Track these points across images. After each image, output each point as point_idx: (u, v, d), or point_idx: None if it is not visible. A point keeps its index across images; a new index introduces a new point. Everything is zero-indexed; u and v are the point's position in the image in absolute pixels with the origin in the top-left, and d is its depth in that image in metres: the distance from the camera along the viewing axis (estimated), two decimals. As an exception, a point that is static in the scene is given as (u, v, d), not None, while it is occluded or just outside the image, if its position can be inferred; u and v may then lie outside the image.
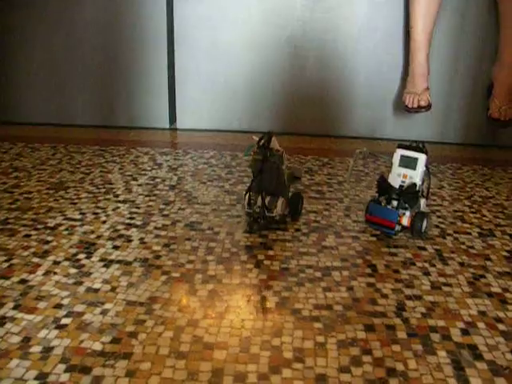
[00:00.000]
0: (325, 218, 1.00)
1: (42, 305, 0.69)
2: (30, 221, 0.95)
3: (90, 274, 0.77)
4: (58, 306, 0.69)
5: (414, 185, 0.92)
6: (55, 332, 0.63)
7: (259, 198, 0.92)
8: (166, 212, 1.01)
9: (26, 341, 0.61)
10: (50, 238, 0.88)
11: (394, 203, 0.93)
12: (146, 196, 1.09)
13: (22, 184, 1.13)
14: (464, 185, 1.25)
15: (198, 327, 0.65)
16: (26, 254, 0.82)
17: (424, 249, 0.90)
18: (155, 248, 0.86)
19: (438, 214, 1.05)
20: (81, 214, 0.99)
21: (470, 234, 0.97)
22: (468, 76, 1.57)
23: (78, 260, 0.81)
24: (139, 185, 1.16)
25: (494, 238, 0.95)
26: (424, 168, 0.93)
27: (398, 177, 0.94)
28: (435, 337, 0.65)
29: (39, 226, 0.93)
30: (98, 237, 0.89)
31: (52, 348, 0.60)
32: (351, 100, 1.62)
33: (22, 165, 1.27)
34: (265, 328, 0.65)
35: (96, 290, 0.73)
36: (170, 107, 1.68)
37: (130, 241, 0.88)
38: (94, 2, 1.58)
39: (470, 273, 0.82)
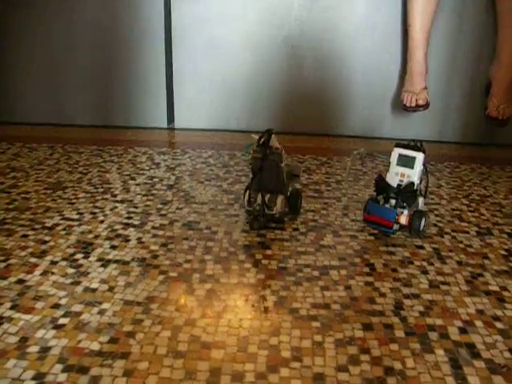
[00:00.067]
0: (323, 217, 1.00)
1: (39, 305, 0.69)
2: (27, 221, 0.94)
3: (88, 273, 0.77)
4: (56, 306, 0.69)
5: (412, 184, 0.92)
6: (53, 332, 0.63)
7: (259, 196, 0.92)
8: (163, 211, 1.01)
9: (24, 341, 0.61)
10: (47, 238, 0.88)
11: (392, 202, 0.93)
12: (144, 196, 1.09)
13: (19, 184, 1.13)
14: (462, 183, 1.25)
15: (195, 327, 0.65)
16: (23, 254, 0.82)
17: (422, 247, 0.90)
18: (153, 248, 0.86)
19: (435, 212, 1.05)
20: (78, 213, 0.99)
21: (467, 232, 0.97)
22: (466, 75, 1.57)
23: (76, 260, 0.81)
24: (137, 184, 1.15)
25: (492, 237, 0.95)
26: (422, 167, 0.93)
27: (395, 176, 0.94)
28: (433, 335, 0.65)
29: (37, 226, 0.92)
30: (96, 236, 0.89)
31: (49, 348, 0.60)
32: (349, 99, 1.62)
33: (20, 165, 1.26)
34: (262, 327, 0.65)
35: (93, 290, 0.73)
36: (167, 107, 1.68)
37: (127, 240, 0.88)
38: (92, 3, 1.58)
39: (467, 271, 0.82)
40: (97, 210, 1.00)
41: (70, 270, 0.78)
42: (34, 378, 0.56)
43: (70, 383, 0.55)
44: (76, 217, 0.97)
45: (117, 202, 1.05)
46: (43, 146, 1.44)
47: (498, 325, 0.68)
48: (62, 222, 0.95)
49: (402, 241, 0.92)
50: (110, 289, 0.73)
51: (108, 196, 1.08)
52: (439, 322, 0.68)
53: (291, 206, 0.98)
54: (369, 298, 0.73)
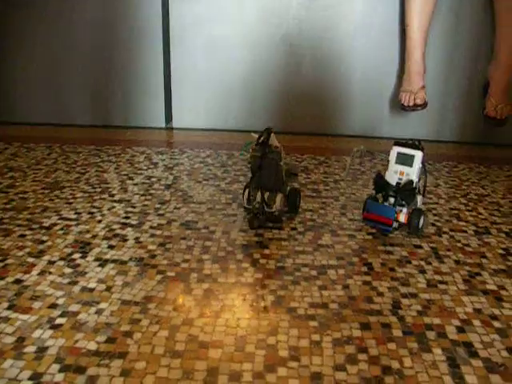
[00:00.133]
0: (321, 217, 1.00)
1: (36, 305, 0.69)
2: (25, 221, 0.94)
3: (85, 273, 0.77)
4: (53, 306, 0.68)
5: (411, 182, 0.93)
6: (50, 332, 0.63)
7: (258, 194, 0.93)
8: (161, 211, 1.01)
9: (21, 341, 0.61)
10: (45, 238, 0.88)
11: (391, 200, 0.94)
12: (142, 195, 1.09)
13: (17, 184, 1.13)
14: (460, 183, 1.25)
15: (193, 326, 0.65)
16: (20, 254, 0.82)
17: (420, 247, 0.90)
18: (150, 247, 0.86)
19: (434, 212, 1.05)
20: (76, 213, 0.98)
21: (465, 231, 0.97)
22: (463, 75, 1.57)
23: (73, 260, 0.81)
24: (135, 184, 1.15)
25: (490, 236, 0.95)
26: (420, 165, 0.93)
27: (394, 174, 0.95)
28: (431, 334, 0.65)
29: (34, 226, 0.92)
30: (94, 236, 0.89)
31: (46, 348, 0.60)
32: (347, 98, 1.62)
33: (18, 165, 1.26)
34: (260, 327, 0.65)
35: (91, 290, 0.73)
36: (165, 106, 1.68)
37: (125, 240, 0.88)
38: (91, 3, 1.57)
39: (465, 270, 0.82)
40: (94, 210, 1.00)
41: (68, 270, 0.78)
42: (30, 378, 0.55)
43: (67, 383, 0.55)
44: (74, 216, 0.97)
45: (114, 201, 1.05)
46: (41, 145, 1.43)
47: (496, 324, 0.68)
48: (59, 221, 0.95)
49: (399, 240, 0.92)
50: (108, 288, 0.73)
51: (106, 196, 1.08)
52: (437, 321, 0.68)
53: (290, 204, 0.98)
54: (367, 297, 0.73)
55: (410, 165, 0.93)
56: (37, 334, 0.63)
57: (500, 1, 1.43)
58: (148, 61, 1.62)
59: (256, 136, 0.92)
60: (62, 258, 0.81)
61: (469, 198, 1.14)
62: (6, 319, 0.65)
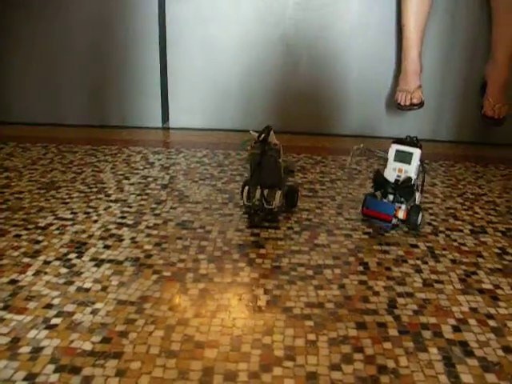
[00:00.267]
0: (317, 216, 1.00)
1: (31, 305, 0.68)
2: (20, 221, 0.94)
3: (81, 273, 0.77)
4: (48, 306, 0.68)
5: (410, 179, 0.94)
6: (45, 332, 0.63)
7: (257, 191, 0.93)
8: (157, 211, 1.00)
9: (15, 341, 0.61)
10: (40, 238, 0.87)
11: (390, 197, 0.95)
12: (138, 195, 1.09)
13: (12, 184, 1.12)
14: (456, 182, 1.25)
15: (188, 326, 0.65)
16: (16, 254, 0.82)
17: (416, 246, 0.90)
18: (146, 247, 0.86)
19: (430, 211, 1.06)
20: (72, 213, 0.98)
21: (462, 231, 0.97)
22: (459, 74, 1.58)
23: (69, 260, 0.81)
24: (131, 184, 1.15)
25: (486, 235, 0.95)
26: (419, 162, 0.94)
27: (393, 171, 0.96)
28: (426, 334, 0.65)
29: (30, 226, 0.92)
30: (90, 236, 0.89)
31: (41, 348, 0.60)
32: (344, 98, 1.62)
33: (13, 165, 1.26)
34: (256, 326, 0.65)
35: (87, 290, 0.72)
36: (162, 106, 1.67)
37: (121, 240, 0.88)
38: (87, 3, 1.57)
39: (461, 270, 0.82)
40: (90, 210, 1.00)
41: (63, 270, 0.77)
42: (25, 379, 0.55)
43: (61, 383, 0.55)
44: (69, 216, 0.97)
45: (111, 201, 1.05)
46: (37, 145, 1.43)
47: (492, 323, 0.68)
48: (55, 221, 0.94)
49: (395, 239, 0.92)
50: (103, 288, 0.73)
51: (102, 196, 1.08)
52: (433, 320, 0.68)
53: (288, 200, 0.99)
54: (362, 296, 0.73)
55: (409, 162, 0.94)
56: (32, 334, 0.62)
57: (496, 0, 1.43)
58: (144, 61, 1.62)
59: (256, 134, 0.93)
60: (57, 258, 0.81)
61: (465, 198, 1.15)
62: (1, 320, 0.65)
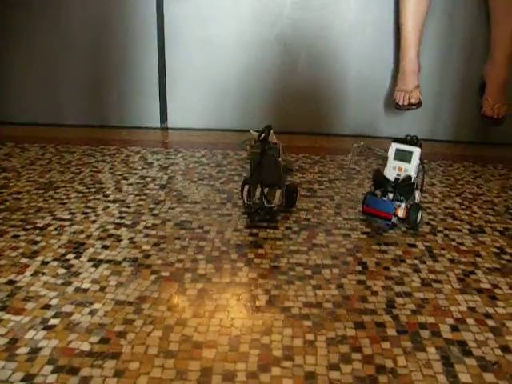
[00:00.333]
0: (315, 216, 1.00)
1: (29, 306, 0.68)
2: (18, 221, 0.94)
3: (79, 274, 0.77)
4: (46, 307, 0.68)
5: (409, 177, 0.94)
6: (43, 333, 0.63)
7: (258, 190, 0.94)
8: (156, 211, 1.00)
9: (13, 342, 0.61)
10: (38, 239, 0.87)
11: (390, 196, 0.95)
12: (136, 195, 1.08)
13: (10, 184, 1.12)
14: (455, 182, 1.25)
15: (187, 326, 0.65)
16: (14, 254, 0.82)
17: (414, 246, 0.90)
18: (145, 247, 0.86)
19: (428, 210, 1.06)
20: (70, 213, 0.98)
21: (460, 230, 0.97)
22: (457, 75, 1.58)
23: (67, 260, 0.81)
24: (129, 184, 1.15)
25: (484, 235, 0.95)
26: (418, 161, 0.95)
27: (393, 170, 0.97)
28: (425, 333, 0.65)
29: (28, 227, 0.92)
30: (88, 236, 0.89)
31: (39, 349, 0.60)
32: (343, 97, 1.62)
33: (11, 165, 1.26)
34: (254, 326, 0.65)
35: (85, 290, 0.72)
36: (160, 106, 1.67)
37: (119, 240, 0.88)
38: (86, 4, 1.57)
39: (459, 269, 0.82)
40: (89, 210, 1.00)
41: (61, 271, 0.77)
42: (23, 380, 0.55)
43: (59, 384, 0.55)
44: (68, 217, 0.96)
45: (109, 201, 1.05)
46: (35, 146, 1.43)
47: (490, 322, 0.68)
48: (53, 222, 0.94)
49: (394, 239, 0.92)
50: (102, 289, 0.73)
51: (100, 196, 1.07)
52: (431, 320, 0.68)
53: (288, 199, 1.00)
54: (361, 296, 0.73)
55: (409, 161, 0.95)
56: (30, 335, 0.62)
57: (495, 0, 1.43)
58: (143, 61, 1.62)
59: (255, 133, 0.94)
60: (55, 259, 0.81)
61: (463, 197, 1.15)
62: (-1, 320, 0.65)
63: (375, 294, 0.74)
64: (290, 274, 0.78)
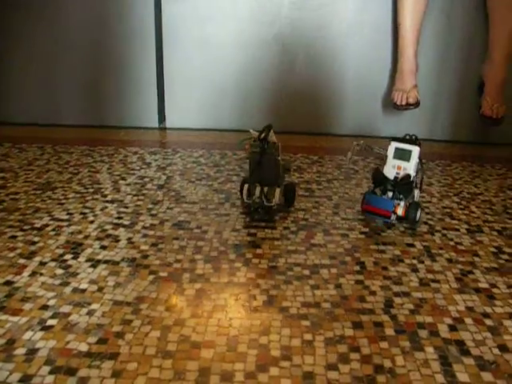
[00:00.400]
0: (313, 216, 1.00)
1: (27, 306, 0.68)
2: (16, 222, 0.94)
3: (77, 274, 0.77)
4: (44, 307, 0.68)
5: (408, 176, 0.95)
6: (40, 333, 0.63)
7: (257, 189, 0.95)
8: (154, 211, 1.00)
9: (11, 343, 0.61)
10: (36, 239, 0.87)
11: (390, 194, 0.96)
12: (135, 195, 1.08)
13: (8, 185, 1.12)
14: (453, 181, 1.26)
15: (185, 326, 0.65)
16: (11, 255, 0.82)
17: (412, 245, 0.90)
18: (143, 247, 0.85)
19: (426, 210, 1.06)
20: (68, 214, 0.98)
21: (458, 230, 0.97)
22: (455, 75, 1.58)
23: (65, 260, 0.80)
24: (127, 184, 1.15)
25: (482, 234, 0.95)
26: (418, 160, 0.96)
27: (392, 168, 0.98)
28: (423, 333, 0.65)
29: (26, 227, 0.92)
30: (86, 237, 0.89)
31: (37, 350, 0.60)
32: (341, 97, 1.62)
33: (9, 165, 1.25)
34: (252, 326, 0.65)
35: (83, 291, 0.72)
36: (158, 106, 1.67)
37: (117, 241, 0.88)
38: (83, 4, 1.57)
39: (458, 269, 0.82)
40: (87, 211, 1.00)
41: (59, 271, 0.77)
42: (20, 381, 0.55)
43: (57, 385, 0.55)
44: (66, 217, 0.96)
45: (107, 202, 1.05)
46: (33, 146, 1.43)
47: (488, 322, 0.68)
48: (51, 222, 0.94)
49: (392, 239, 0.92)
50: (100, 289, 0.73)
51: (98, 196, 1.07)
52: (429, 319, 0.68)
53: (287, 197, 1.01)
54: (359, 296, 0.73)
55: (408, 159, 0.96)
56: (27, 335, 0.62)
57: (493, 1, 1.44)
58: (141, 61, 1.62)
59: (255, 133, 0.95)
60: (53, 259, 0.81)
61: (461, 197, 1.15)
62: (-3, 321, 0.65)
63: (373, 293, 0.74)
64: (288, 273, 0.78)
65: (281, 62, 1.60)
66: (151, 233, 0.91)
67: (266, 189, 0.96)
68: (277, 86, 1.62)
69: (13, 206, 1.00)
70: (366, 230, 0.95)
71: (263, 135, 0.94)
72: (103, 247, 0.85)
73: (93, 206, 1.02)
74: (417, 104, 1.46)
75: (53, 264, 0.79)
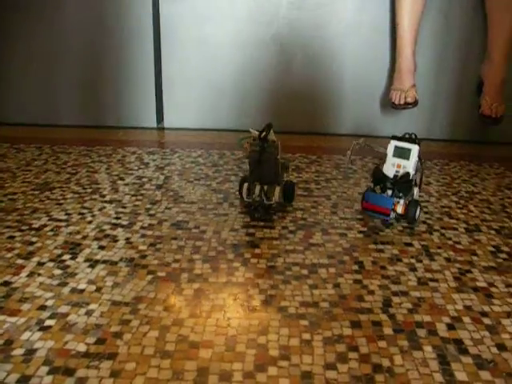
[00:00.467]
0: (312, 216, 1.00)
1: (25, 307, 0.68)
2: (14, 222, 0.93)
3: (75, 274, 0.77)
4: (42, 308, 0.68)
5: (408, 174, 0.96)
6: (39, 334, 0.62)
7: (257, 188, 0.96)
8: (152, 211, 1.00)
9: (9, 343, 0.60)
10: (34, 239, 0.87)
11: (389, 192, 0.97)
12: (133, 196, 1.08)
13: (6, 185, 1.12)
14: (451, 181, 1.26)
15: (183, 326, 0.65)
16: (9, 255, 0.81)
17: (411, 245, 0.90)
18: (141, 248, 0.85)
19: (425, 209, 1.06)
20: (66, 214, 0.98)
21: (456, 229, 0.97)
22: (453, 74, 1.58)
23: (63, 261, 0.80)
24: (126, 184, 1.15)
25: (481, 233, 0.96)
26: (417, 158, 0.97)
27: (392, 167, 0.98)
28: (421, 332, 0.65)
29: (24, 228, 0.92)
30: (84, 237, 0.89)
31: (35, 350, 0.60)
32: (339, 97, 1.62)
33: (7, 166, 1.25)
34: (251, 326, 0.65)
35: (81, 291, 0.72)
36: (157, 106, 1.67)
37: (115, 241, 0.88)
38: (81, 4, 1.56)
39: (456, 268, 0.82)
40: (85, 211, 1.00)
41: (57, 271, 0.77)
42: (18, 381, 0.55)
43: (55, 385, 0.55)
44: (64, 217, 0.96)
45: (105, 202, 1.04)
46: (31, 146, 1.42)
47: (486, 321, 0.68)
48: (49, 222, 0.94)
49: (390, 238, 0.92)
50: (98, 289, 0.73)
51: (96, 196, 1.07)
52: (427, 318, 0.68)
53: (287, 195, 1.02)
54: (357, 295, 0.73)
55: (407, 158, 0.97)
56: (25, 336, 0.62)
57: (491, 0, 1.44)
58: (139, 61, 1.62)
59: (255, 132, 0.95)
60: (51, 260, 0.81)
61: (459, 196, 1.15)
62: (-5, 321, 0.65)
63: (372, 293, 0.74)
64: (286, 273, 0.78)
65: (279, 62, 1.60)
66: (149, 233, 0.91)
67: (265, 187, 0.97)
68: (275, 86, 1.62)
69: (11, 207, 1.00)
70: (365, 229, 0.95)
71: (264, 134, 0.94)
72: (101, 247, 0.85)
73: (91, 206, 1.02)
74: (415, 103, 1.47)
75: (51, 264, 0.79)
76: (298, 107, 1.64)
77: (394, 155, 0.98)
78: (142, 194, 1.09)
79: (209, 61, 1.61)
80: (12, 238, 0.87)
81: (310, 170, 1.29)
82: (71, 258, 0.81)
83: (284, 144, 0.98)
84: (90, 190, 1.10)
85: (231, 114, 1.65)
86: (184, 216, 0.98)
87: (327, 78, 1.60)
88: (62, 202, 1.04)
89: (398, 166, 0.98)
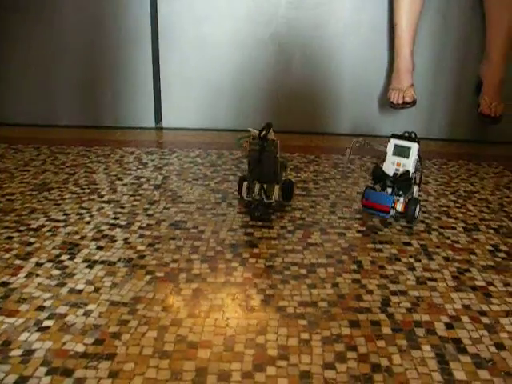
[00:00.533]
0: (310, 215, 1.00)
1: (23, 307, 0.68)
2: (12, 223, 0.93)
3: (74, 275, 0.76)
4: (40, 308, 0.68)
5: (407, 172, 0.96)
6: (37, 335, 0.62)
7: (257, 186, 0.97)
8: (150, 211, 1.00)
9: (6, 344, 0.60)
10: (32, 240, 0.87)
11: (389, 190, 0.98)
12: (131, 196, 1.08)
13: (4, 186, 1.12)
14: (449, 180, 1.26)
15: (181, 326, 0.65)
16: (7, 256, 0.81)
17: (409, 244, 0.90)
18: (139, 248, 0.85)
19: (423, 209, 1.06)
20: (64, 214, 0.98)
21: (454, 228, 0.97)
22: (451, 74, 1.58)
23: (61, 261, 0.80)
24: (124, 185, 1.15)
25: (479, 233, 0.96)
26: (417, 157, 0.97)
27: (392, 165, 0.99)
28: (420, 331, 0.65)
29: (22, 228, 0.91)
30: (82, 237, 0.88)
31: (33, 351, 0.59)
32: (337, 96, 1.62)
33: (5, 166, 1.25)
34: (249, 326, 0.65)
35: (79, 291, 0.72)
36: (155, 106, 1.67)
37: (114, 241, 0.87)
38: (80, 5, 1.56)
39: (454, 267, 0.82)
40: (83, 211, 0.99)
41: (56, 272, 0.77)
42: (16, 382, 0.55)
43: (53, 386, 0.55)
44: (62, 218, 0.96)
45: (103, 202, 1.04)
46: (29, 147, 1.42)
47: (484, 320, 0.68)
48: (47, 223, 0.94)
49: (389, 238, 0.92)
50: (96, 290, 0.72)
51: (95, 196, 1.07)
52: (426, 318, 0.68)
53: (285, 194, 1.02)
54: (356, 295, 0.73)
55: (407, 156, 0.98)
56: (23, 336, 0.62)
57: (490, 0, 1.44)
58: (137, 61, 1.62)
59: (255, 131, 0.96)
60: (49, 260, 0.80)
61: (458, 195, 1.15)
62: (-7, 322, 0.64)
63: (370, 292, 0.74)
64: (285, 273, 0.78)
65: (277, 62, 1.60)
66: (148, 233, 0.91)
67: (265, 186, 0.97)
68: (273, 86, 1.62)
69: (9, 207, 1.00)
70: (363, 228, 0.95)
71: (263, 133, 0.94)
72: (100, 248, 0.85)
73: (89, 207, 1.02)
74: (413, 103, 1.47)
75: (49, 265, 0.79)
76: (296, 107, 1.64)
77: (394, 153, 0.99)
78: (140, 194, 1.09)
79: (207, 60, 1.61)
80: (10, 238, 0.87)
81: (309, 170, 1.29)
82: (69, 259, 0.81)
83: (282, 143, 0.98)
84: (88, 191, 1.10)
85: (230, 114, 1.65)
86: (182, 216, 0.98)
87: (326, 78, 1.60)
88: (60, 202, 1.04)
89: (398, 164, 0.98)
